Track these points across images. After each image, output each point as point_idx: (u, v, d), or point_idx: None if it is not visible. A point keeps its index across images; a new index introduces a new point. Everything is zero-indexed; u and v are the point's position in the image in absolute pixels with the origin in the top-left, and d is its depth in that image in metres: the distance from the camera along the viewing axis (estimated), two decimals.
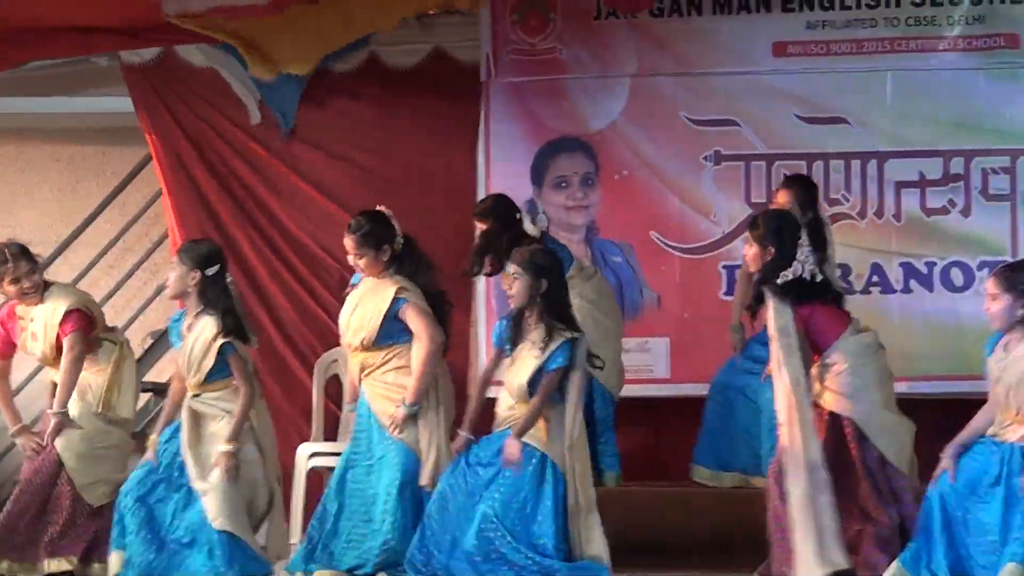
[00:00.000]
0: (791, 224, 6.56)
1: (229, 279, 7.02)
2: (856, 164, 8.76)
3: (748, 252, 6.59)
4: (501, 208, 7.92)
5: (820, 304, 6.47)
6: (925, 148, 8.70)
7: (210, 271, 6.77)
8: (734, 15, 9.00)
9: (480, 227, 7.76)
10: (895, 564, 6.21)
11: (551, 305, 6.46)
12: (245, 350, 6.70)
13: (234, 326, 6.70)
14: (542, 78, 9.12)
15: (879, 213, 8.69)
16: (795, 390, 6.41)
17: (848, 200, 8.70)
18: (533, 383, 6.34)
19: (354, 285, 7.15)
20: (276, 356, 9.37)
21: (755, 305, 6.55)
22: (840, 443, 6.59)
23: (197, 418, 6.78)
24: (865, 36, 8.85)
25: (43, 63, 9.46)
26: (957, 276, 8.62)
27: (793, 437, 6.43)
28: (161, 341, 9.06)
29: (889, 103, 8.76)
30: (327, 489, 7.13)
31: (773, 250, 6.48)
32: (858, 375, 6.58)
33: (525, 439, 6.38)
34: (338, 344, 7.43)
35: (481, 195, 8.85)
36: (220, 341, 6.63)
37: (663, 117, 8.95)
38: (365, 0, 8.54)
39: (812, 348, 6.48)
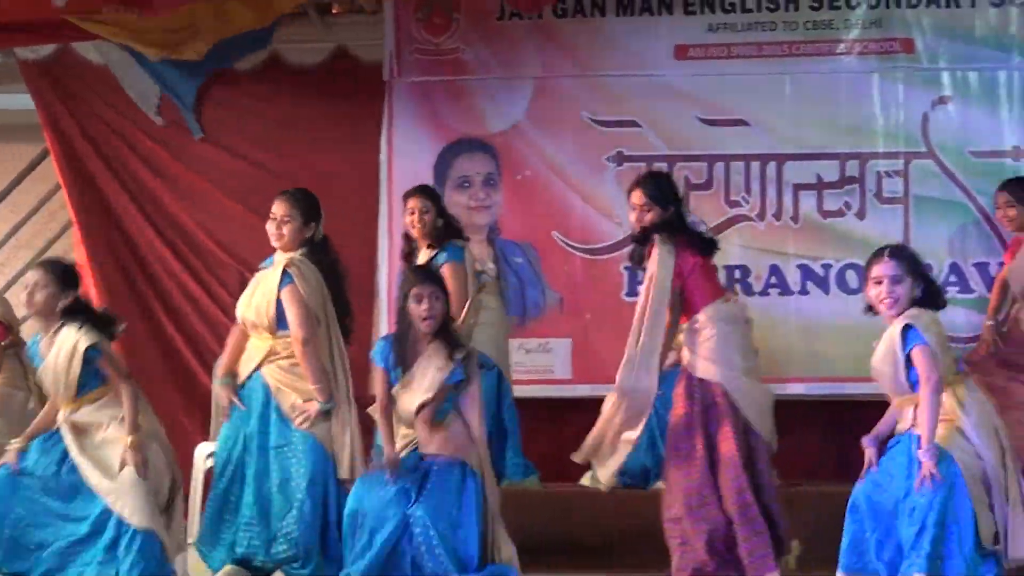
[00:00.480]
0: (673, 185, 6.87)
1: None
2: (755, 166, 8.84)
3: (637, 215, 6.74)
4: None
5: (704, 261, 6.62)
6: (822, 151, 8.81)
7: (74, 291, 6.73)
8: (636, 17, 9.04)
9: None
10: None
11: (446, 321, 6.48)
12: (112, 349, 6.63)
13: (95, 328, 6.62)
14: (445, 78, 9.14)
15: (778, 215, 8.79)
16: (651, 331, 6.61)
17: (748, 202, 8.75)
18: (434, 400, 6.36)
19: (263, 268, 7.16)
20: (175, 355, 9.34)
21: (637, 258, 6.70)
22: (710, 409, 6.67)
23: (80, 431, 6.64)
24: (765, 39, 8.94)
25: None
26: (852, 278, 8.64)
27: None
28: None
29: (788, 106, 8.85)
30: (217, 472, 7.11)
31: (662, 209, 6.72)
32: (726, 342, 6.63)
33: (447, 453, 6.45)
34: None
35: (384, 194, 8.95)
36: (85, 345, 6.52)
37: (565, 118, 8.98)
38: None
39: (685, 308, 6.57)
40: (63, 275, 6.68)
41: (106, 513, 6.47)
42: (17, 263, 9.62)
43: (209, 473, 7.57)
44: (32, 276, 6.73)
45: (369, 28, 9.20)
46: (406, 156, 9.00)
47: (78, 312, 6.69)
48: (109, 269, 9.36)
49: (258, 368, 6.93)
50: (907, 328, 5.81)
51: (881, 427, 6.22)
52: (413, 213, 7.60)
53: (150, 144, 9.53)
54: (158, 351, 9.08)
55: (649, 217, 6.82)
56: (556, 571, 6.90)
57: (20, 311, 9.31)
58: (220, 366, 7.07)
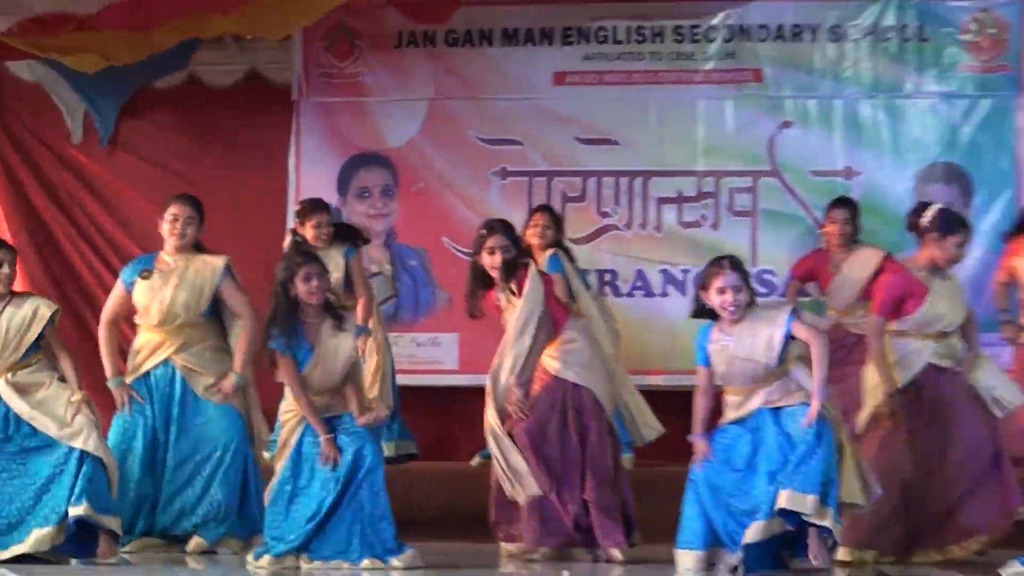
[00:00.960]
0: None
1: None
2: (624, 182, 9.10)
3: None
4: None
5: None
6: (682, 169, 9.08)
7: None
8: (520, 46, 9.27)
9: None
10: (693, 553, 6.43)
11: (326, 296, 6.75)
12: None
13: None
14: (348, 99, 9.33)
15: (643, 225, 9.06)
16: (517, 343, 6.91)
17: (617, 213, 9.02)
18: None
19: (148, 270, 7.23)
20: (97, 351, 9.36)
21: (507, 278, 6.94)
22: (578, 411, 6.98)
23: (22, 390, 6.80)
24: (633, 68, 9.21)
25: None
26: None
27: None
28: None
29: (653, 128, 9.14)
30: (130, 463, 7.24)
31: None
32: (593, 351, 7.08)
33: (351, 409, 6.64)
34: None
35: (291, 203, 9.01)
36: (51, 311, 6.78)
37: (456, 136, 9.24)
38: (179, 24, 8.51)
39: (553, 324, 6.92)
40: (11, 258, 6.95)
41: (68, 454, 6.65)
42: None
43: None
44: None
45: (279, 53, 9.35)
46: (312, 168, 9.20)
47: (25, 292, 7.09)
48: (34, 265, 9.49)
49: (167, 358, 7.16)
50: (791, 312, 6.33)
51: (705, 421, 6.55)
52: (318, 227, 7.88)
53: (74, 152, 9.65)
54: (81, 347, 9.07)
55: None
56: (436, 539, 7.20)
57: None
58: (110, 367, 7.23)
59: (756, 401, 6.32)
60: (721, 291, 6.24)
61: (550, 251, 7.95)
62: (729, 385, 6.38)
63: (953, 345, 7.02)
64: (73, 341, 8.72)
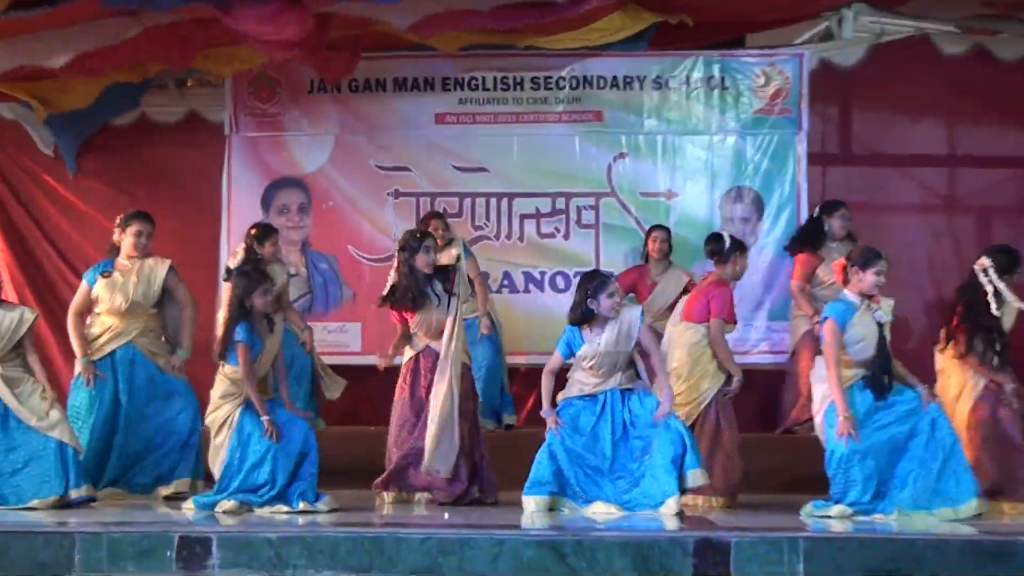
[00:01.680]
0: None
1: None
2: (494, 201, 9.64)
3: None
4: None
5: None
6: (540, 191, 9.58)
7: None
8: (408, 92, 9.69)
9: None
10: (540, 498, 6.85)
11: None
12: None
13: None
14: (270, 134, 9.70)
15: (508, 236, 9.57)
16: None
17: (488, 227, 9.55)
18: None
19: (108, 271, 7.59)
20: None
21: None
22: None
23: (8, 382, 7.12)
24: (499, 110, 9.68)
25: None
26: (560, 282, 9.45)
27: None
28: None
29: (516, 158, 9.65)
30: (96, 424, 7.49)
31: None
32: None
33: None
34: None
35: (224, 220, 9.40)
36: (32, 317, 7.16)
37: (357, 164, 9.68)
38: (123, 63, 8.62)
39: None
40: None
41: (46, 442, 7.04)
42: None
43: None
44: None
45: (214, 97, 9.78)
46: (241, 189, 9.58)
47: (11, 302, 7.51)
48: (15, 273, 9.72)
49: (130, 341, 7.56)
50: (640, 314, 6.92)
51: (551, 397, 7.02)
52: (274, 244, 8.13)
53: (47, 178, 9.94)
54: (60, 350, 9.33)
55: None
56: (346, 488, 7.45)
57: None
58: (79, 349, 7.55)
59: (612, 383, 6.95)
60: (611, 295, 6.83)
61: (453, 243, 8.40)
62: (598, 370, 6.90)
63: None
64: (47, 335, 9.25)
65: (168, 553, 5.86)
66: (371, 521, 6.75)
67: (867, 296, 6.88)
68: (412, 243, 7.27)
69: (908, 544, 6.07)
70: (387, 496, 7.35)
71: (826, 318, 6.90)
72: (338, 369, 8.81)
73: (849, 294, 6.92)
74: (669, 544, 5.95)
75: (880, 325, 6.89)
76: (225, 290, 7.47)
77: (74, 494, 7.07)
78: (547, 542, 5.92)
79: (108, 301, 7.52)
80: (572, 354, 6.96)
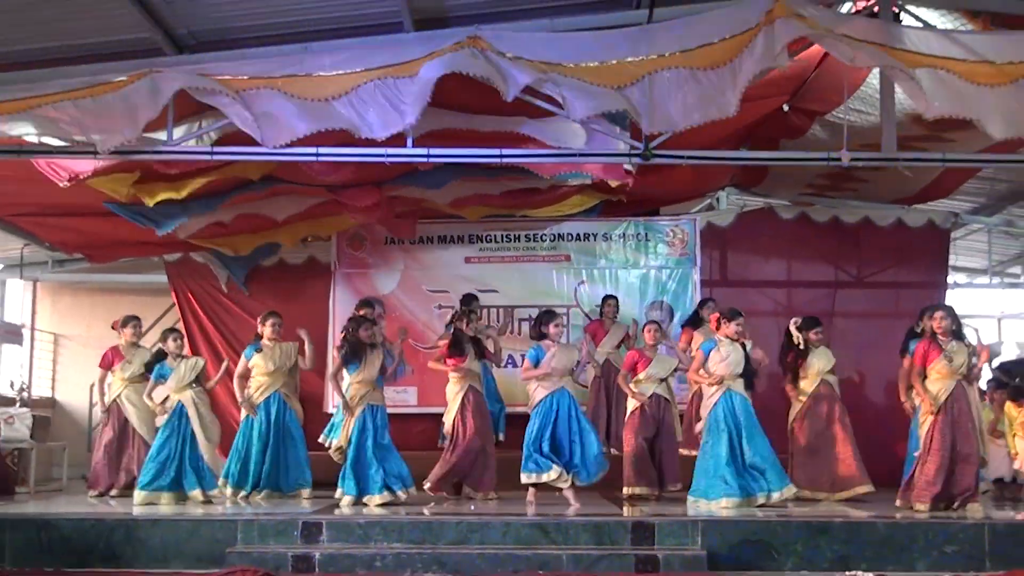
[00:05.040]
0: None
1: None
2: (502, 311, 10.04)
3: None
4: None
5: None
6: (532, 304, 9.84)
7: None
8: (447, 244, 10.22)
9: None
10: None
11: None
12: None
13: None
14: (359, 270, 10.36)
15: (511, 332, 9.76)
16: None
17: (498, 326, 9.52)
18: None
19: (259, 348, 8.09)
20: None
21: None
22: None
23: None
24: (505, 254, 10.31)
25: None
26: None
27: None
28: None
29: (516, 284, 10.29)
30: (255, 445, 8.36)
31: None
32: None
33: None
34: None
35: (331, 324, 9.86)
36: (202, 363, 8.33)
37: (415, 288, 10.32)
38: (272, 234, 9.53)
39: None
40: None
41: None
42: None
43: None
44: None
45: (325, 247, 10.52)
46: (342, 305, 10.04)
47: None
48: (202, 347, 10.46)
49: (276, 391, 8.12)
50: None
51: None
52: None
53: (224, 298, 10.58)
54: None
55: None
56: None
57: None
58: (241, 394, 8.05)
59: (563, 383, 7.58)
60: (557, 326, 7.73)
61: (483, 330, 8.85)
62: (555, 373, 7.53)
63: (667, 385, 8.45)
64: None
65: (295, 532, 6.37)
66: (421, 511, 7.05)
67: (733, 339, 7.71)
68: (457, 321, 8.28)
69: (766, 523, 6.36)
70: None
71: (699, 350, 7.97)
72: (400, 416, 9.20)
73: (719, 335, 7.85)
74: (616, 525, 6.31)
75: (747, 354, 7.65)
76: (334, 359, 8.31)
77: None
78: (537, 524, 6.30)
79: (263, 367, 8.26)
80: (539, 360, 7.68)
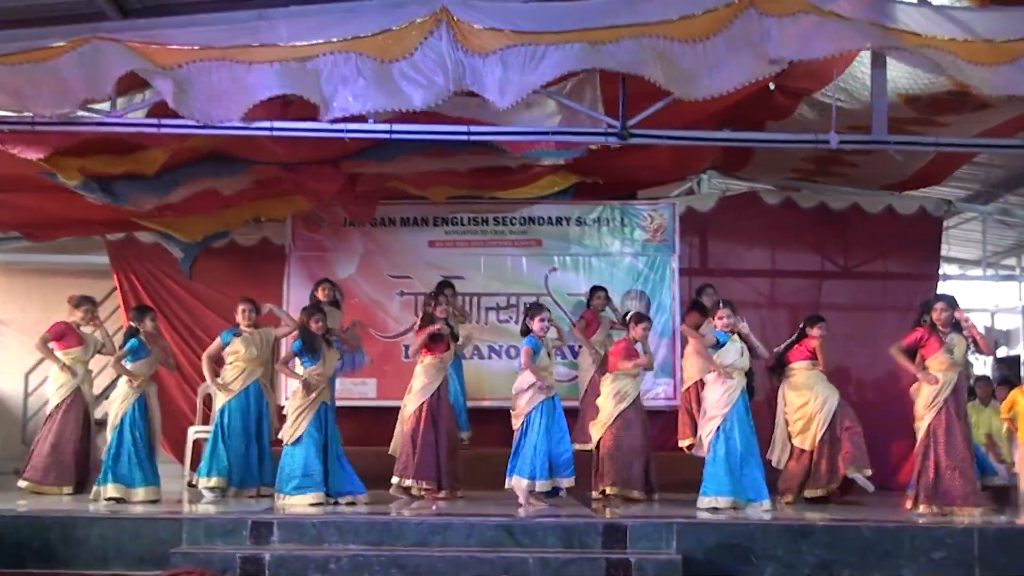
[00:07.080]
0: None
1: None
2: (467, 299, 10.14)
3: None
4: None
5: None
6: (499, 292, 10.20)
7: None
8: (409, 226, 10.11)
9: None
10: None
11: None
12: None
13: None
14: (316, 253, 10.42)
15: (478, 322, 9.95)
16: None
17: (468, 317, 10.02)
18: None
19: (237, 333, 8.17)
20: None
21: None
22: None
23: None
24: (472, 239, 10.38)
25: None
26: (512, 352, 9.52)
27: None
28: None
29: (483, 271, 10.36)
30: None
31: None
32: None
33: None
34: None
35: (287, 306, 9.61)
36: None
37: (375, 273, 10.38)
38: (216, 219, 9.59)
39: None
40: None
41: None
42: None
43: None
44: None
45: (279, 228, 10.46)
46: (296, 289, 10.10)
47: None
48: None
49: (256, 379, 8.30)
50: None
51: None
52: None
53: (171, 281, 10.49)
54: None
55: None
56: None
57: None
58: (211, 378, 8.34)
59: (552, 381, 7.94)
60: (541, 320, 7.78)
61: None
62: (546, 370, 7.70)
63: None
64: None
65: (243, 532, 6.42)
66: (384, 511, 7.19)
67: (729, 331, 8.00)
68: (427, 307, 8.45)
69: (745, 526, 6.50)
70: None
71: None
72: (358, 409, 9.60)
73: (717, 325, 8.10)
74: (586, 526, 6.37)
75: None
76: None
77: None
78: (502, 525, 6.38)
79: (241, 352, 8.24)
80: (538, 350, 7.75)
